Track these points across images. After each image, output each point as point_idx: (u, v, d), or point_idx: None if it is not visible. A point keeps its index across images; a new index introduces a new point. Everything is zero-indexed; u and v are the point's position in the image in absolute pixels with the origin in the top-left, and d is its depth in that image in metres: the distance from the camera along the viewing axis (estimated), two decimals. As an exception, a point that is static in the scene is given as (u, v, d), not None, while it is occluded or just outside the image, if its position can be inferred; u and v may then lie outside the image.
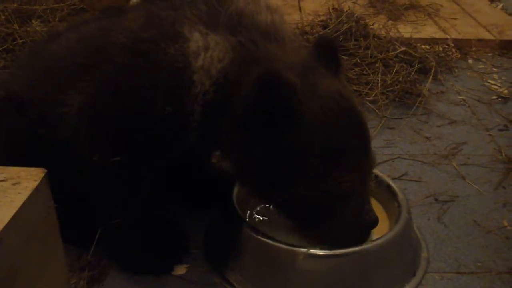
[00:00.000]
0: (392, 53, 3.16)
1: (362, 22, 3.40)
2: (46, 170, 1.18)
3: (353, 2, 4.14)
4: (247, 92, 1.44)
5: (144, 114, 1.54)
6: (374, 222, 1.59)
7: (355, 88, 2.92)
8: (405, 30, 3.70)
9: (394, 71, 3.03)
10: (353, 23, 3.32)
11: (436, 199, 2.15)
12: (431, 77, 3.11)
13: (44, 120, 1.65)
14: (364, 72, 3.05)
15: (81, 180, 1.63)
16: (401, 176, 2.30)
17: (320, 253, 1.59)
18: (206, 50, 1.52)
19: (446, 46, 3.59)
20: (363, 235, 1.62)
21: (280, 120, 1.43)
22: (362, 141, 1.54)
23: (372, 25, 3.51)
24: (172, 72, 1.52)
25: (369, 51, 3.15)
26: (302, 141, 1.44)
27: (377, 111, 2.80)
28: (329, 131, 1.46)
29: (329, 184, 1.47)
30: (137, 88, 1.53)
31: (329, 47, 1.61)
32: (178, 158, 1.67)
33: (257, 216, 1.88)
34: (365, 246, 1.62)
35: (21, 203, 1.08)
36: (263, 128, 1.44)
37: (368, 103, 2.84)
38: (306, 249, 1.59)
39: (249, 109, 1.44)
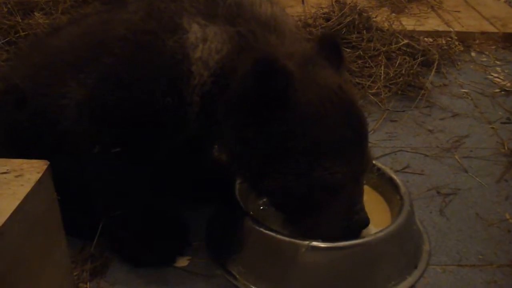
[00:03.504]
0: (395, 45, 3.15)
1: (365, 14, 3.39)
2: (48, 162, 1.19)
3: (356, -5, 4.14)
4: (242, 76, 1.45)
5: (144, 105, 1.54)
6: (364, 222, 1.58)
7: (357, 80, 2.92)
8: (408, 23, 3.69)
9: (397, 63, 3.03)
10: (356, 16, 3.32)
11: (438, 192, 2.15)
12: (434, 70, 3.10)
13: (44, 113, 1.65)
14: (367, 65, 3.04)
15: (82, 172, 1.64)
16: (404, 168, 2.30)
17: (322, 245, 1.59)
18: (204, 42, 1.53)
19: (449, 39, 3.57)
20: (351, 234, 1.61)
21: (273, 105, 1.43)
22: (357, 136, 1.52)
23: (375, 17, 3.50)
24: (171, 64, 1.52)
25: (372, 44, 3.15)
26: (295, 127, 1.45)
27: (379, 103, 2.80)
28: (324, 120, 1.46)
29: (320, 173, 1.46)
30: (137, 80, 1.54)
31: (332, 43, 1.61)
32: (178, 150, 1.68)
33: (259, 208, 1.88)
34: (367, 238, 1.63)
35: (24, 195, 1.09)
36: (257, 112, 1.45)
37: (370, 95, 2.84)
38: (308, 241, 1.59)
39: (244, 92, 1.45)
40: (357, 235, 1.62)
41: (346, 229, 1.58)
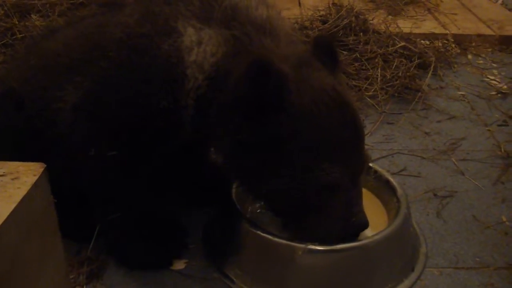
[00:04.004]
0: (392, 48, 3.16)
1: (361, 17, 3.40)
2: (45, 165, 1.18)
3: (353, -3, 4.14)
4: (237, 79, 1.45)
5: (139, 108, 1.55)
6: (363, 225, 1.58)
7: (354, 83, 2.92)
8: (405, 25, 3.70)
9: (394, 66, 3.03)
10: (353, 18, 3.32)
11: (435, 195, 2.15)
12: (430, 72, 3.11)
13: (41, 116, 1.65)
14: (364, 67, 3.04)
15: (79, 175, 1.63)
16: (400, 171, 2.30)
17: (319, 248, 1.59)
18: (199, 45, 1.53)
19: (446, 41, 3.59)
20: (350, 237, 1.60)
21: (268, 108, 1.43)
22: (353, 136, 1.52)
23: (372, 20, 3.50)
24: (166, 67, 1.53)
25: (369, 46, 3.15)
26: (289, 130, 1.44)
27: (376, 106, 2.80)
28: (318, 122, 1.45)
29: (316, 174, 1.46)
30: (132, 83, 1.54)
31: (327, 45, 1.61)
32: (174, 152, 1.68)
33: (256, 211, 1.88)
34: (364, 241, 1.63)
35: (20, 198, 1.08)
36: (251, 115, 1.44)
37: (367, 98, 2.84)
38: (305, 244, 1.59)
39: (238, 95, 1.45)
40: (355, 238, 1.61)
41: (345, 232, 1.58)
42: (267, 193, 1.56)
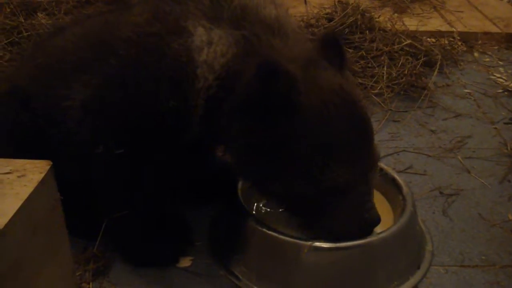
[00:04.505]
0: (398, 46, 3.15)
1: (367, 15, 3.39)
2: (51, 163, 1.19)
3: (359, -5, 4.14)
4: (246, 81, 1.45)
5: (148, 108, 1.54)
6: (375, 221, 1.58)
7: (360, 81, 2.92)
8: (411, 23, 3.69)
9: (400, 64, 3.02)
10: (359, 16, 3.32)
11: (441, 192, 2.15)
12: (436, 70, 3.10)
13: (48, 114, 1.66)
14: (370, 65, 3.04)
15: (86, 173, 1.64)
16: (406, 169, 2.30)
17: (325, 246, 1.59)
18: (209, 45, 1.52)
19: (452, 39, 3.57)
20: (363, 234, 1.60)
21: (277, 110, 1.43)
22: (362, 135, 1.52)
23: (378, 18, 3.50)
24: (176, 67, 1.52)
25: (375, 44, 3.15)
26: (300, 131, 1.44)
27: (382, 104, 2.80)
28: (327, 122, 1.45)
29: (327, 176, 1.46)
30: (141, 82, 1.54)
31: (334, 43, 1.61)
32: (181, 152, 1.68)
33: (262, 208, 1.88)
34: (369, 239, 1.62)
35: (26, 195, 1.09)
36: (261, 117, 1.44)
37: (373, 96, 2.83)
38: (310, 242, 1.59)
39: (247, 97, 1.45)
40: (369, 234, 1.61)
41: (358, 229, 1.58)
42: (277, 194, 1.56)
